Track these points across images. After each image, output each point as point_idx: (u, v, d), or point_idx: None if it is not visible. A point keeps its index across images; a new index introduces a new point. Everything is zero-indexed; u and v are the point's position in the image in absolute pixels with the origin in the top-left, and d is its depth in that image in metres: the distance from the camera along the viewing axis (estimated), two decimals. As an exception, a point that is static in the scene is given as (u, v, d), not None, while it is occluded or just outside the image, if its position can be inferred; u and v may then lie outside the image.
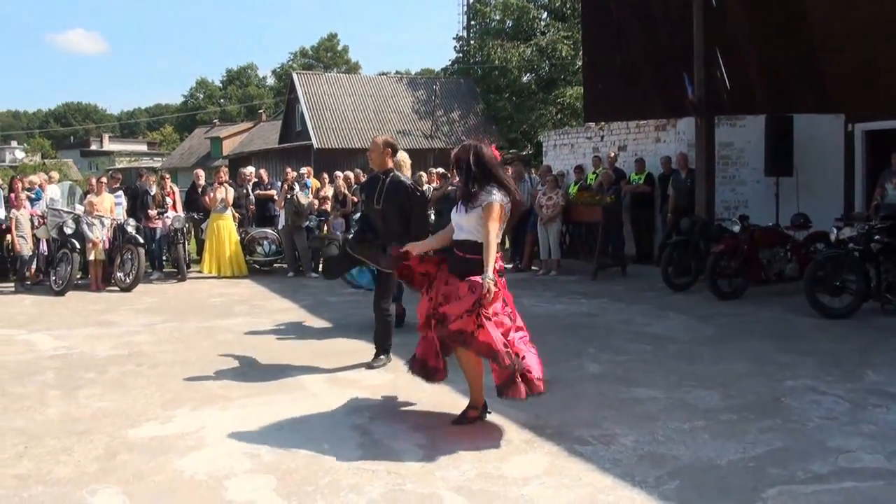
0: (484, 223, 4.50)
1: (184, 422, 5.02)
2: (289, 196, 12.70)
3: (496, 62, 33.77)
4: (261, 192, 13.88)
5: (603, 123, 15.74)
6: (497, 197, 4.54)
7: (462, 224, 4.65)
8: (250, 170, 14.56)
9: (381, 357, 6.43)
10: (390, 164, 6.34)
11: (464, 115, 34.56)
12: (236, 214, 13.16)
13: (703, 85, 11.15)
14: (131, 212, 12.85)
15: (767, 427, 4.77)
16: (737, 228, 9.97)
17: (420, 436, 4.67)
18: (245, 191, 13.77)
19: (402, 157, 7.24)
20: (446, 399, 5.36)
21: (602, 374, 6.11)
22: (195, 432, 4.79)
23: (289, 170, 15.16)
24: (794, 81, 11.72)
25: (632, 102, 13.05)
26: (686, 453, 4.34)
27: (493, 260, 4.45)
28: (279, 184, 13.97)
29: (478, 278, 4.46)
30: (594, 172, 14.30)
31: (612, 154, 14.51)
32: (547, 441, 4.55)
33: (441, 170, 14.75)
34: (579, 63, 29.48)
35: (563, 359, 6.51)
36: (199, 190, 13.75)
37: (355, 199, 12.80)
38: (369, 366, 6.34)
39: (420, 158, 27.08)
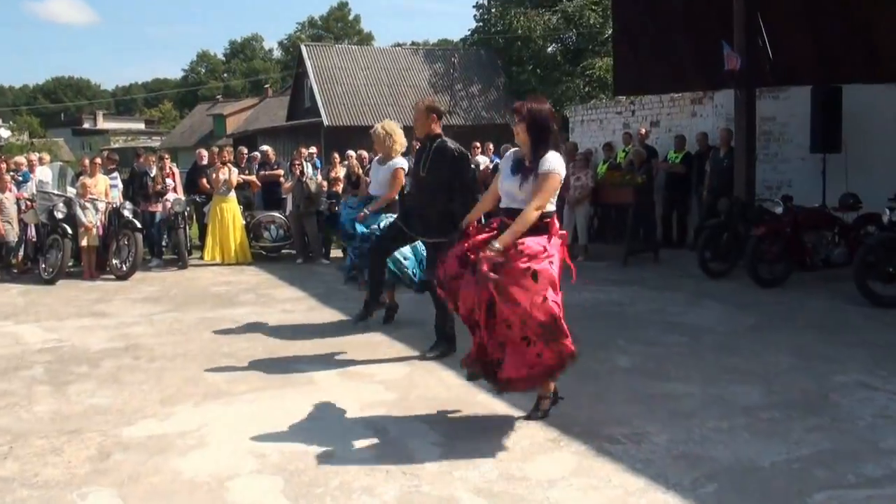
0: (535, 190, 4.38)
1: (184, 419, 5.03)
2: (302, 180, 12.68)
3: (519, 31, 33.56)
4: (266, 173, 13.90)
5: (634, 97, 15.61)
6: (560, 167, 4.46)
7: (514, 192, 4.54)
8: (265, 147, 14.60)
9: (441, 344, 6.39)
10: (437, 130, 6.34)
11: (484, 89, 34.41)
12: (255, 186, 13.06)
13: (743, 54, 11.00)
14: (128, 194, 12.89)
15: (814, 426, 4.72)
16: (779, 210, 9.85)
17: (437, 434, 4.66)
18: (247, 170, 13.78)
19: (384, 129, 7.28)
20: (466, 394, 5.34)
21: (633, 368, 6.07)
22: (196, 430, 4.80)
23: (302, 149, 15.16)
24: (843, 49, 11.52)
25: (666, 74, 12.92)
26: (724, 454, 4.31)
27: (518, 233, 4.34)
28: (287, 164, 13.98)
29: (531, 243, 4.37)
30: (624, 150, 14.19)
31: (644, 130, 14.39)
32: (574, 440, 4.53)
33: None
34: (609, 32, 29.24)
35: (591, 351, 6.47)
36: (202, 171, 13.78)
37: (368, 180, 12.80)
38: (423, 356, 6.33)
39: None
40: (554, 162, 4.45)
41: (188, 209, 13.08)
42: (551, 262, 4.42)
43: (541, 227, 4.48)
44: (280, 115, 40.93)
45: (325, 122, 31.35)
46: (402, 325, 7.63)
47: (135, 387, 5.78)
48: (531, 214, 4.37)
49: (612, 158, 14.17)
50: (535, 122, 4.51)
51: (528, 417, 4.81)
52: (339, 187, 13.55)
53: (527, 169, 4.51)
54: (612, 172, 13.00)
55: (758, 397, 5.30)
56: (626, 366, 6.17)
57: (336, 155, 14.70)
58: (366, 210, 7.31)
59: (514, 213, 4.52)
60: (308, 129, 32.84)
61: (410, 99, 32.84)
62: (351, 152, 14.67)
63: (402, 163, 7.32)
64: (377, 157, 7.57)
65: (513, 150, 4.81)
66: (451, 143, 6.30)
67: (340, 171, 14.09)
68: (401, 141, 7.36)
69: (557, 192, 4.58)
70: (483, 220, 5.00)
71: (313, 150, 16.50)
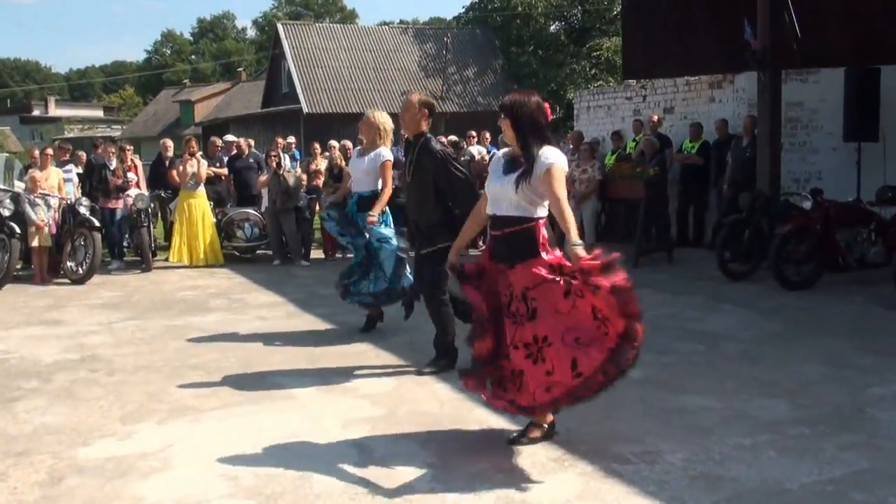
0: (551, 190, 4.37)
1: (147, 438, 5.01)
2: (279, 173, 12.61)
3: (519, 9, 33.64)
4: (215, 170, 13.63)
5: (646, 80, 15.61)
6: (559, 158, 4.45)
7: (503, 196, 4.52)
8: (229, 138, 14.58)
9: (441, 361, 6.35)
10: (425, 128, 6.34)
11: (480, 71, 34.48)
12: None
13: (767, 32, 11.02)
14: (85, 189, 12.85)
15: (848, 443, 4.71)
16: (808, 205, 9.87)
17: (429, 454, 4.64)
18: (217, 163, 13.76)
19: (380, 119, 7.31)
20: (461, 410, 5.33)
21: (645, 379, 6.05)
22: (161, 451, 4.78)
23: (279, 139, 15.15)
24: (881, 25, 11.51)
25: (681, 55, 12.89)
26: (748, 475, 4.30)
27: (574, 224, 4.33)
28: (262, 156, 13.95)
29: (550, 259, 4.38)
30: (635, 139, 14.19)
31: (656, 117, 14.40)
32: (580, 459, 4.52)
33: (453, 137, 14.71)
34: (617, 8, 29.32)
35: (600, 362, 6.46)
36: (167, 163, 13.75)
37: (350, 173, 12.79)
38: (419, 372, 6.28)
39: (428, 124, 26.98)
40: (552, 155, 4.44)
41: (152, 205, 13.04)
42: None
43: (526, 236, 4.44)
44: (254, 101, 40.91)
45: (305, 110, 31.39)
46: (389, 334, 7.61)
47: (92, 403, 5.74)
48: (566, 211, 4.33)
49: (621, 149, 14.18)
50: (522, 116, 4.51)
51: (511, 442, 4.76)
52: (320, 181, 13.54)
53: (522, 167, 4.47)
54: (621, 164, 13.01)
55: (784, 411, 5.29)
56: (637, 377, 6.12)
57: (317, 145, 14.69)
58: (372, 214, 7.19)
59: (502, 223, 4.52)
60: (286, 117, 32.87)
61: (399, 83, 32.93)
62: (333, 142, 14.66)
63: (388, 154, 7.32)
64: (358, 148, 7.58)
65: (503, 150, 4.80)
66: (434, 144, 6.31)
67: (321, 164, 14.08)
68: (390, 136, 7.40)
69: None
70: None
71: (292, 140, 16.50)
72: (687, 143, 13.60)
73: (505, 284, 4.51)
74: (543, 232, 4.48)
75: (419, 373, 6.28)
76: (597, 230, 12.69)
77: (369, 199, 7.32)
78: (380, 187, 7.31)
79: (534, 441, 4.75)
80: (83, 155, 14.41)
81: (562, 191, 4.40)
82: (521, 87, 33.42)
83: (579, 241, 4.29)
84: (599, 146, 14.82)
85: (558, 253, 4.48)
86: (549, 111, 4.64)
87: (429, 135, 6.37)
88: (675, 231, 13.35)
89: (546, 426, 4.81)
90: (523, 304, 4.41)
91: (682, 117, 14.65)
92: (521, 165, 4.48)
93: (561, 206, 4.35)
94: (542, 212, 4.50)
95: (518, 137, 4.53)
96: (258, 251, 13.51)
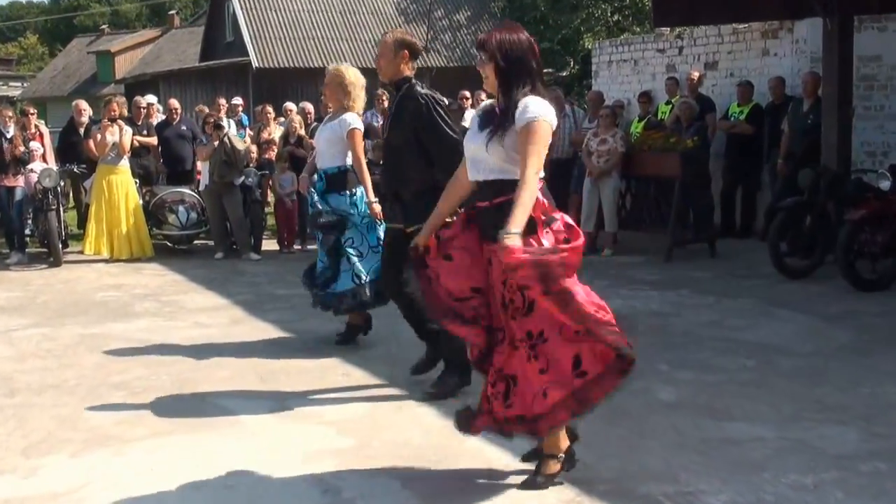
0: (522, 148, 4.37)
1: (57, 475, 5.00)
2: (218, 140, 12.44)
3: (523, -64, 33.57)
4: (141, 140, 13.59)
5: (682, 28, 15.62)
6: (546, 112, 4.44)
7: (481, 157, 4.55)
8: (151, 99, 14.52)
9: (451, 375, 6.27)
10: (407, 72, 6.36)
11: (475, 16, 34.44)
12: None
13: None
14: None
15: (933, 481, 4.75)
16: (886, 185, 9.91)
17: (411, 494, 4.67)
18: (145, 131, 13.72)
19: (347, 76, 7.32)
20: (451, 440, 5.33)
21: (680, 403, 6.09)
22: (75, 491, 4.78)
23: (221, 100, 15.11)
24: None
25: (727, -4, 12.93)
26: (809, 520, 4.34)
27: (528, 206, 4.30)
28: (200, 125, 13.93)
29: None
30: (668, 102, 14.22)
31: (696, 75, 14.42)
32: (599, 501, 4.54)
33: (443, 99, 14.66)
34: (649, -63, 29.30)
35: (625, 380, 6.50)
36: (81, 130, 13.70)
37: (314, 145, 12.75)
38: (428, 396, 6.19)
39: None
40: (535, 107, 4.42)
41: (62, 183, 13.00)
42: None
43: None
44: (190, 53, 40.77)
45: (255, 64, 31.26)
46: (361, 345, 7.63)
47: (-13, 431, 5.75)
48: (531, 180, 4.31)
49: (650, 114, 14.20)
50: (507, 57, 4.49)
51: (524, 486, 4.73)
52: (272, 153, 13.49)
53: (496, 120, 4.49)
54: (651, 133, 13.03)
55: (855, 442, 5.32)
56: (670, 400, 6.19)
57: (269, 109, 14.66)
58: (373, 201, 7.21)
59: (488, 190, 4.55)
60: (230, 73, 32.73)
61: (372, 31, 32.91)
62: (290, 105, 14.70)
63: (355, 121, 7.33)
64: (326, 117, 7.60)
65: (483, 104, 4.82)
66: (420, 89, 6.31)
67: (276, 131, 14.04)
68: (362, 98, 7.40)
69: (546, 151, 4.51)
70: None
71: (238, 101, 16.44)
72: (734, 108, 13.62)
73: (498, 271, 4.48)
74: (540, 198, 4.42)
75: (430, 397, 6.17)
76: (620, 215, 12.65)
77: (336, 177, 7.37)
78: (349, 162, 7.34)
79: (552, 478, 4.69)
80: None
81: (535, 156, 4.36)
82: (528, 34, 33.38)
83: (516, 230, 4.23)
84: (624, 110, 14.85)
85: (560, 225, 4.45)
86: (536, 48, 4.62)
87: (413, 80, 6.37)
88: (718, 217, 13.38)
89: (562, 455, 4.75)
90: (518, 293, 4.41)
91: (727, 74, 14.68)
92: (495, 118, 4.51)
93: (526, 175, 4.32)
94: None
95: (502, 84, 4.52)
96: (196, 241, 13.50)
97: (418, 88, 6.30)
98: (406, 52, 6.36)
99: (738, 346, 7.52)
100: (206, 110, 15.40)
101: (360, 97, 7.41)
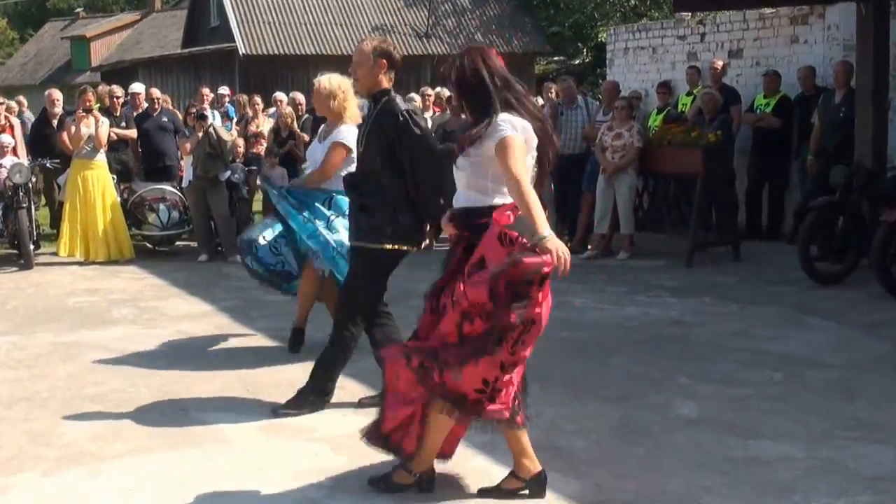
0: (504, 166, 4.52)
1: (29, 495, 5.00)
2: (202, 131, 12.34)
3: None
4: (117, 131, 13.59)
5: (705, 13, 15.61)
6: (507, 127, 4.58)
7: (459, 181, 4.81)
8: (136, 88, 14.50)
9: (309, 398, 6.39)
10: (385, 84, 6.34)
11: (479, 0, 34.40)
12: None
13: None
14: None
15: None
16: (925, 183, 9.92)
17: (410, 517, 4.67)
18: (123, 122, 13.71)
19: (332, 85, 7.23)
20: (455, 458, 5.33)
21: (702, 419, 6.09)
22: (46, 512, 4.78)
23: (205, 89, 15.09)
24: None
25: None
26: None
27: (536, 204, 4.44)
28: (181, 116, 13.92)
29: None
30: (690, 93, 14.20)
31: (720, 63, 14.39)
32: (615, 526, 4.55)
33: (444, 91, 14.67)
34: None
35: (640, 393, 6.49)
36: (55, 122, 13.70)
37: (307, 139, 12.75)
38: (277, 410, 6.35)
39: (410, 71, 26.96)
40: (502, 125, 4.59)
41: (34, 179, 13.00)
42: None
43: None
44: (172, 38, 40.75)
45: (242, 51, 31.24)
46: (357, 355, 7.61)
47: (-48, 447, 5.75)
48: (527, 193, 4.45)
49: (670, 105, 14.17)
50: (462, 79, 4.75)
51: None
52: (261, 148, 13.47)
53: (464, 140, 4.70)
54: (670, 126, 13.01)
55: (891, 463, 5.31)
56: (691, 415, 6.19)
57: (258, 100, 14.67)
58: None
59: (467, 216, 4.73)
60: (215, 61, 32.75)
61: (370, 14, 32.92)
62: (280, 95, 14.68)
63: (346, 135, 7.27)
64: (322, 128, 7.59)
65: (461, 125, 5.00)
66: (399, 104, 6.29)
67: (264, 124, 14.03)
68: (354, 103, 7.32)
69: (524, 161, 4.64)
70: None
71: (224, 91, 16.42)
72: (760, 99, 13.61)
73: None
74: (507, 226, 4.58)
75: (276, 412, 6.33)
76: (637, 216, 12.63)
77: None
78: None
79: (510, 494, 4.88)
80: None
81: (517, 164, 4.52)
82: (535, 20, 33.50)
83: (547, 233, 4.39)
84: (641, 102, 14.82)
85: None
86: (500, 61, 4.80)
87: (392, 93, 6.33)
88: (743, 217, 13.37)
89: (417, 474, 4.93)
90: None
91: (753, 63, 14.65)
92: (463, 138, 4.72)
93: (521, 186, 4.47)
94: (499, 199, 4.65)
95: (471, 111, 4.77)
96: (178, 242, 13.49)
97: (398, 103, 6.28)
98: (384, 61, 6.28)
99: (765, 358, 7.51)
100: (209, 94, 15.38)
101: (349, 101, 7.31)
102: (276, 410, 6.35)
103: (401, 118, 6.18)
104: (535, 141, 4.68)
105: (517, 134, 4.56)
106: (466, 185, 4.71)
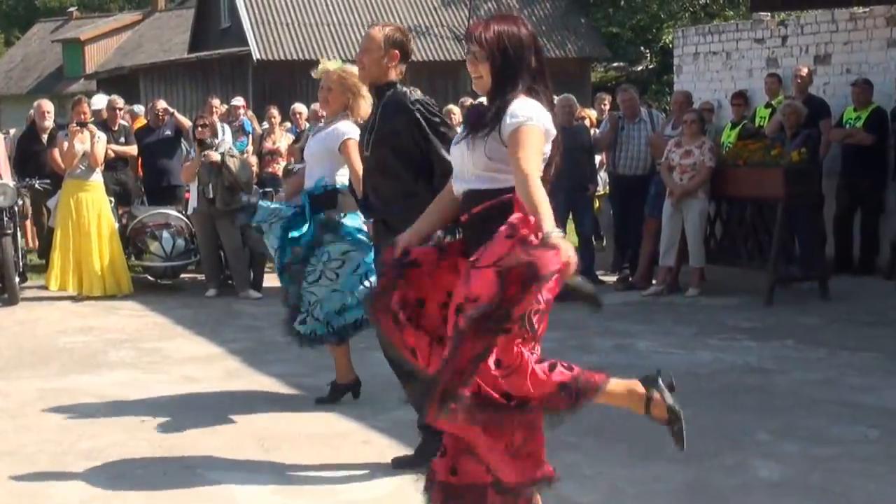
0: (513, 157, 4.48)
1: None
2: (206, 158, 12.18)
3: None
4: (116, 148, 13.69)
5: (786, 13, 15.59)
6: (538, 115, 4.55)
7: (460, 164, 4.73)
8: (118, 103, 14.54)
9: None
10: (392, 76, 6.40)
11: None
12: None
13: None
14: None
15: None
16: None
17: None
18: (122, 137, 13.81)
19: (344, 75, 7.36)
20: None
21: (785, 482, 6.06)
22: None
23: (215, 100, 15.14)
24: None
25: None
26: None
27: (542, 200, 4.36)
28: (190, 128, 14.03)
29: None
30: (769, 105, 14.18)
31: (804, 70, 14.37)
32: None
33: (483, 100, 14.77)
34: None
35: (713, 451, 6.46)
36: (44, 137, 13.82)
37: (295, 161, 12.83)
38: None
39: (448, 76, 27.04)
40: (522, 110, 4.54)
41: (20, 202, 13.11)
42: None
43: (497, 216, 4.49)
44: (177, 42, 41.08)
45: (256, 55, 31.47)
46: (381, 406, 7.61)
47: (-74, 509, 5.81)
48: (536, 191, 4.37)
49: (747, 118, 14.16)
50: (506, 54, 4.62)
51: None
52: (278, 167, 13.49)
53: (479, 121, 4.63)
54: (747, 143, 12.99)
55: None
56: (772, 478, 6.15)
57: (274, 111, 14.73)
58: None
59: (467, 201, 4.67)
60: (225, 67, 32.97)
61: (401, 16, 33.01)
62: (300, 107, 14.72)
63: (351, 130, 7.35)
64: (318, 125, 7.63)
65: (473, 103, 4.92)
66: (409, 93, 6.32)
67: (282, 139, 14.08)
68: (369, 101, 7.35)
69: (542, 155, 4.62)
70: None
71: (238, 101, 16.46)
72: (850, 112, 13.55)
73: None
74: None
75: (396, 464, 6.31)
76: (708, 246, 12.61)
77: (322, 199, 7.43)
78: (340, 181, 7.42)
79: None
80: None
81: (530, 161, 4.46)
82: (591, 20, 33.56)
83: (555, 230, 4.29)
84: (713, 115, 14.82)
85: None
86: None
87: (399, 85, 6.39)
88: (831, 249, 13.32)
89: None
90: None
91: (843, 70, 14.61)
92: (478, 119, 4.65)
93: (528, 182, 4.40)
94: (499, 185, 4.61)
95: (496, 85, 4.64)
96: (183, 275, 13.56)
97: (409, 95, 6.29)
98: (397, 52, 6.34)
99: (858, 412, 7.46)
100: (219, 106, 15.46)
101: (366, 99, 7.37)
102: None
103: (419, 106, 6.21)
104: (553, 134, 4.63)
105: (537, 125, 4.53)
106: (476, 169, 4.62)
